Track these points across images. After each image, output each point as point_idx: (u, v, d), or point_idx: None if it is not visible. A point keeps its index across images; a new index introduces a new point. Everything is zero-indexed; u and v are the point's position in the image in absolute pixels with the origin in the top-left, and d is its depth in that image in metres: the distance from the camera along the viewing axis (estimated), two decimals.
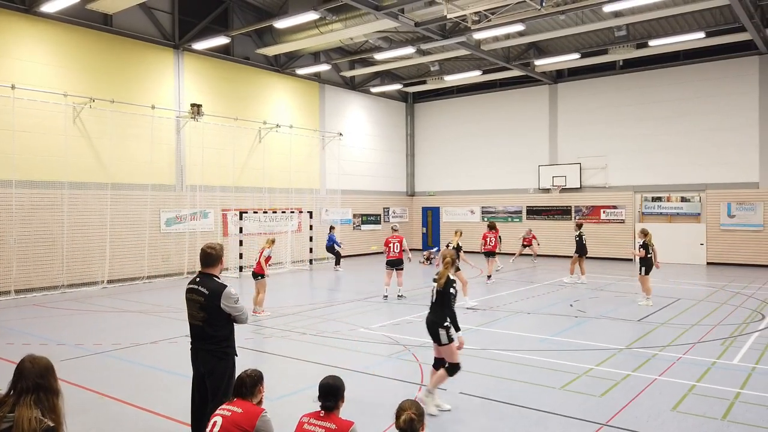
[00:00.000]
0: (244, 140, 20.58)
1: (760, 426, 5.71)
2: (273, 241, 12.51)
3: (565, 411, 6.14)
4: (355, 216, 25.49)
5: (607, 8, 16.27)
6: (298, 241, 21.32)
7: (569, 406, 6.30)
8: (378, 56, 21.87)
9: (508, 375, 7.48)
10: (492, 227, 16.63)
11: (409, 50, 20.53)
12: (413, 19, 17.31)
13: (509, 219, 25.61)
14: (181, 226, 18.44)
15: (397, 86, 26.37)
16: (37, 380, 2.98)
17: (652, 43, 19.35)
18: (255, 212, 20.10)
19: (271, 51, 20.71)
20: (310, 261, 21.51)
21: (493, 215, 26.07)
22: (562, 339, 9.54)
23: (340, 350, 8.91)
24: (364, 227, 25.94)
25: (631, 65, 22.42)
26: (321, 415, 3.64)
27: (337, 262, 20.28)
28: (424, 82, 25.83)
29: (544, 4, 15.52)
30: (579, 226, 16.64)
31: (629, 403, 6.37)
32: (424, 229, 28.54)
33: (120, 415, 6.20)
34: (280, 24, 18.00)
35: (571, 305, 12.69)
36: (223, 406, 3.83)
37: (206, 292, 4.81)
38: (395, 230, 14.35)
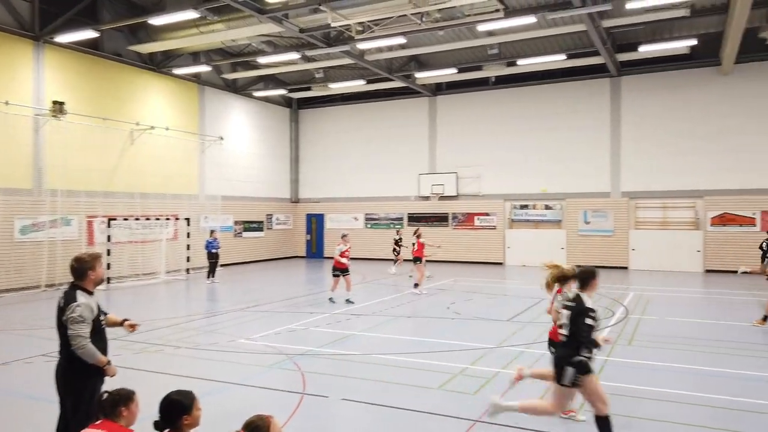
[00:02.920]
0: (114, 142, 19.22)
1: (616, 414, 6.33)
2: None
3: (443, 410, 6.41)
4: (236, 223, 24.75)
5: (481, 27, 17.33)
6: (174, 250, 20.27)
7: (446, 405, 6.59)
8: (261, 60, 21.49)
9: (389, 378, 7.66)
10: (418, 234, 16.65)
11: (294, 56, 20.41)
12: (298, 25, 17.24)
13: (391, 226, 26.24)
14: (39, 235, 16.77)
15: (281, 91, 26.06)
16: None
17: (520, 62, 20.88)
18: (125, 219, 18.80)
19: (145, 48, 19.55)
20: (187, 270, 20.53)
21: (376, 222, 26.59)
22: (441, 341, 9.95)
23: (218, 362, 8.60)
24: (246, 234, 25.26)
25: (504, 82, 24.02)
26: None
27: (212, 273, 18.75)
28: (308, 89, 25.77)
29: (424, 19, 16.20)
30: None
31: (499, 399, 6.78)
32: (308, 236, 28.39)
33: None
34: (156, 21, 17.06)
35: (448, 308, 13.28)
36: (87, 429, 3.56)
37: (61, 304, 4.62)
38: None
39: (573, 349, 5.13)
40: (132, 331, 5.20)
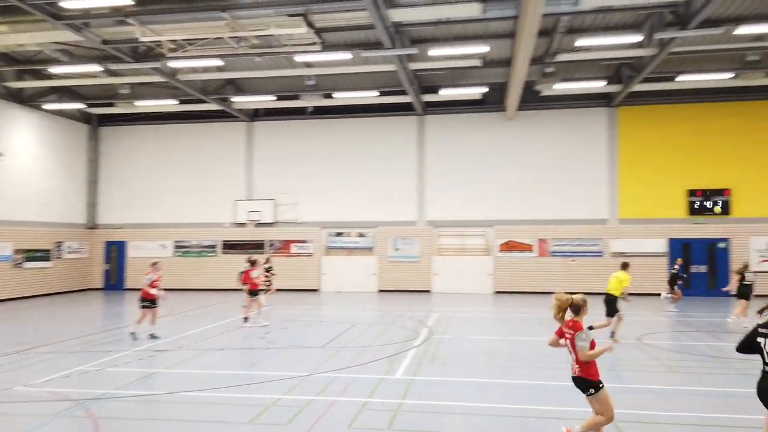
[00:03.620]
0: None
1: (418, 429, 6.74)
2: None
3: None
4: (17, 252, 21.50)
5: (298, 58, 17.70)
6: None
7: None
8: (55, 70, 19.24)
9: (196, 417, 7.23)
10: (253, 263, 15.31)
11: (95, 68, 18.66)
12: (100, 35, 15.88)
13: (202, 254, 25.05)
14: None
15: (78, 105, 23.54)
16: None
17: (336, 95, 21.68)
18: None
19: None
20: None
21: (186, 250, 25.16)
22: (254, 372, 9.69)
23: None
24: (28, 265, 22.04)
25: (321, 112, 24.64)
26: None
27: None
28: (111, 105, 23.68)
29: (241, 43, 16.03)
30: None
31: (312, 427, 6.81)
32: (107, 265, 25.74)
33: None
34: None
35: (262, 338, 13.00)
36: None
37: None
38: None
39: None
40: None
